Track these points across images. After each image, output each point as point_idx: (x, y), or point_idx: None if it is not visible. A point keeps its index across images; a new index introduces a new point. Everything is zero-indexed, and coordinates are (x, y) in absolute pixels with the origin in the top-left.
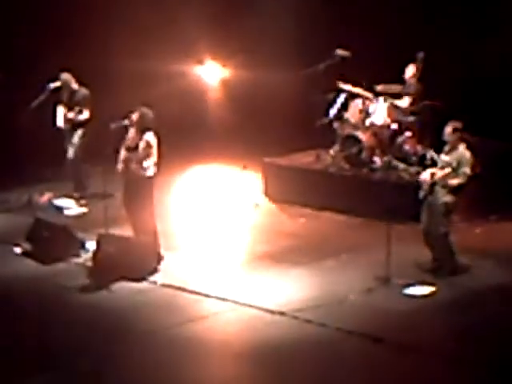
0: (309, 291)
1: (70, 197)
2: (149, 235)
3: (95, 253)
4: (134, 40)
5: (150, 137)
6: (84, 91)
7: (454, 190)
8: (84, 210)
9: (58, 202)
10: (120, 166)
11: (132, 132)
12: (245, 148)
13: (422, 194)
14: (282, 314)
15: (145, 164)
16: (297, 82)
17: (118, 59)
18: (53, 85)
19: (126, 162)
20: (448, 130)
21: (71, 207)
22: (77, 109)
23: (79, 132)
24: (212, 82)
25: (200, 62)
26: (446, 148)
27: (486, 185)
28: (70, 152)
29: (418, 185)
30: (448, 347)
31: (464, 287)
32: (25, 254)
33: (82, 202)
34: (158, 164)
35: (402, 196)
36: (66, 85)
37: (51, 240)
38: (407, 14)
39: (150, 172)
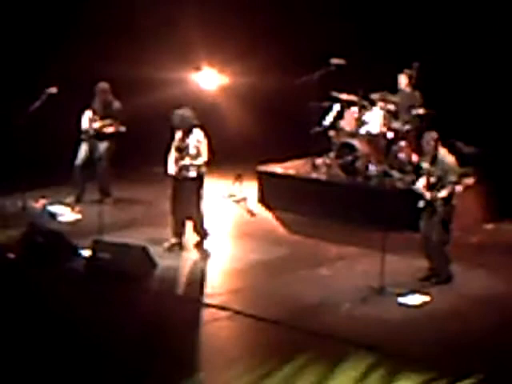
0: (303, 300)
1: (66, 204)
2: (202, 231)
3: (90, 259)
4: (130, 46)
5: (198, 134)
6: (118, 104)
7: (450, 199)
8: (78, 216)
9: (53, 208)
10: (172, 168)
11: (179, 133)
12: (240, 156)
13: (421, 203)
14: (276, 322)
15: (197, 162)
16: (292, 90)
17: (114, 65)
18: (49, 90)
19: (178, 162)
20: (426, 140)
21: (65, 213)
22: (108, 121)
23: (106, 144)
24: (208, 89)
25: (197, 68)
26: (427, 157)
27: (481, 194)
28: (80, 160)
29: (415, 194)
30: (442, 357)
31: (458, 296)
32: (19, 260)
33: (77, 208)
34: (209, 159)
35: (397, 204)
36: (101, 94)
37: (45, 246)
38: (401, 22)
39: (203, 170)
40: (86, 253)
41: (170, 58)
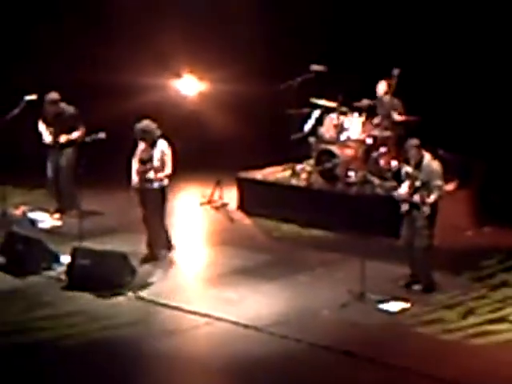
0: (283, 306)
1: (46, 210)
2: (163, 244)
3: (69, 266)
4: (110, 52)
5: (163, 146)
6: (72, 110)
7: (432, 203)
8: (58, 223)
9: (33, 214)
10: (135, 179)
11: (142, 145)
12: (219, 162)
13: (403, 208)
14: (256, 328)
15: (162, 174)
16: (272, 97)
17: (93, 72)
18: (28, 97)
19: (142, 174)
20: (409, 147)
21: (45, 220)
22: (74, 135)
23: (68, 151)
24: (189, 96)
25: (177, 75)
26: (412, 162)
27: (461, 200)
28: (50, 171)
29: (395, 200)
30: (421, 363)
31: (437, 304)
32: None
33: (56, 215)
34: (173, 172)
35: (377, 211)
36: (51, 105)
37: (25, 253)
38: (381, 30)
39: (166, 182)
40: (66, 259)
41: (151, 65)
